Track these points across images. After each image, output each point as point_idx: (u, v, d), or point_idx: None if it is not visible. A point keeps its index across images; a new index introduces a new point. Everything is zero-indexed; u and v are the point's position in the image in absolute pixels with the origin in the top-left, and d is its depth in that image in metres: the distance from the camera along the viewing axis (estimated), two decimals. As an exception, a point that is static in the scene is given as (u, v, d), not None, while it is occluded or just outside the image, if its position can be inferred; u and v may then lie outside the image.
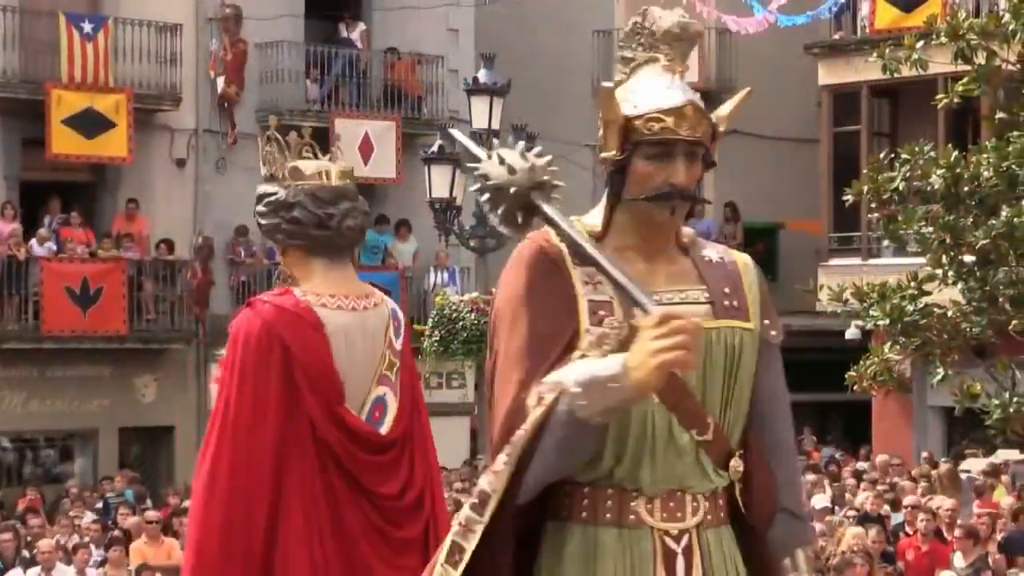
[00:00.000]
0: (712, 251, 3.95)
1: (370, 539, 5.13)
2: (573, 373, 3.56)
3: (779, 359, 3.95)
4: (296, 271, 5.29)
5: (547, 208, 3.76)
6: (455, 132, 4.38)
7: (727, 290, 3.87)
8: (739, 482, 3.82)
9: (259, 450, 5.01)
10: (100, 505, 19.09)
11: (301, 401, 5.07)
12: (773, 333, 3.92)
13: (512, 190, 3.73)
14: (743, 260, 3.98)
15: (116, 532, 15.75)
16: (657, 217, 3.79)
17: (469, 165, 3.88)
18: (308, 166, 5.29)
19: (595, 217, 3.86)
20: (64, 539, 15.68)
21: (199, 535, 5.06)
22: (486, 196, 3.76)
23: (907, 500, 15.85)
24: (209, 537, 5.01)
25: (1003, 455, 18.32)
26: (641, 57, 3.91)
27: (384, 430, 5.21)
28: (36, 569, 14.00)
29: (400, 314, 5.38)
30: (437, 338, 18.34)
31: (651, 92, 3.79)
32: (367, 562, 5.10)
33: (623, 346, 3.57)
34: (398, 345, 5.30)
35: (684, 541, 3.74)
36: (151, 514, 16.26)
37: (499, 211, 3.76)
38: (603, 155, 3.82)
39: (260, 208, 5.27)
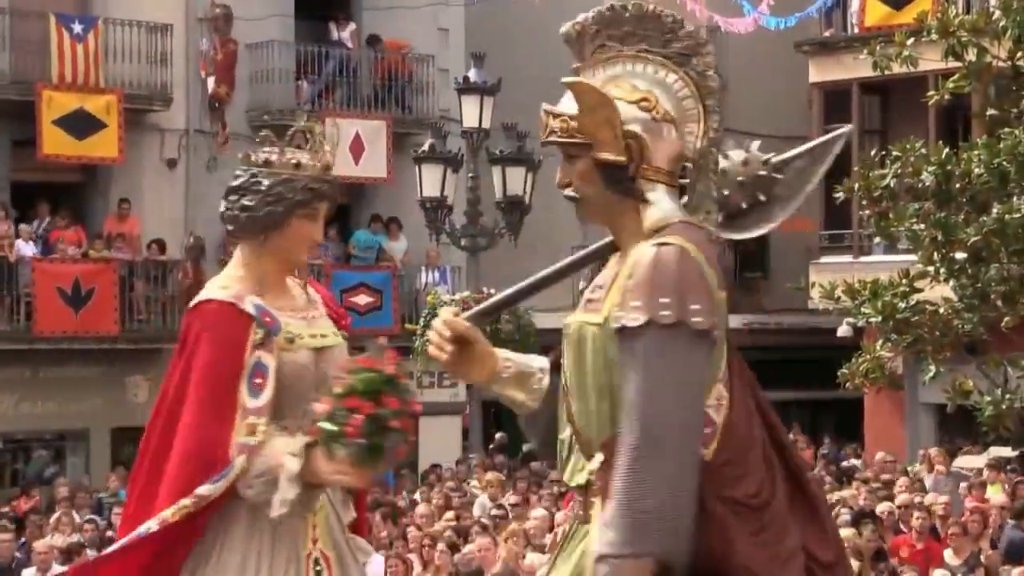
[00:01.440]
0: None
1: None
2: None
3: (632, 352, 3.58)
4: None
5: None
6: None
7: (599, 284, 3.85)
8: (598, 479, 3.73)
9: None
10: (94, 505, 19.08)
11: None
12: (619, 314, 3.63)
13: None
14: (636, 251, 3.72)
15: (110, 532, 15.71)
16: None
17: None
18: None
19: None
20: (63, 539, 15.64)
21: None
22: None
23: (900, 499, 15.82)
24: None
25: (995, 452, 18.32)
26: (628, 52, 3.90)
27: None
28: (31, 570, 13.97)
29: None
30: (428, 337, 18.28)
31: None
32: None
33: None
34: None
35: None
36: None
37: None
38: None
39: None
